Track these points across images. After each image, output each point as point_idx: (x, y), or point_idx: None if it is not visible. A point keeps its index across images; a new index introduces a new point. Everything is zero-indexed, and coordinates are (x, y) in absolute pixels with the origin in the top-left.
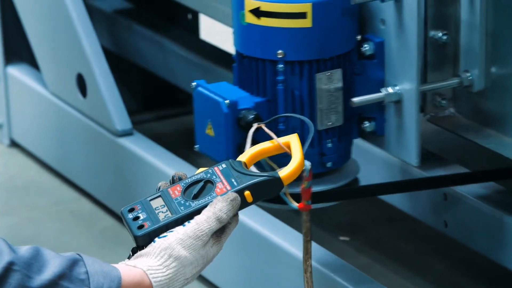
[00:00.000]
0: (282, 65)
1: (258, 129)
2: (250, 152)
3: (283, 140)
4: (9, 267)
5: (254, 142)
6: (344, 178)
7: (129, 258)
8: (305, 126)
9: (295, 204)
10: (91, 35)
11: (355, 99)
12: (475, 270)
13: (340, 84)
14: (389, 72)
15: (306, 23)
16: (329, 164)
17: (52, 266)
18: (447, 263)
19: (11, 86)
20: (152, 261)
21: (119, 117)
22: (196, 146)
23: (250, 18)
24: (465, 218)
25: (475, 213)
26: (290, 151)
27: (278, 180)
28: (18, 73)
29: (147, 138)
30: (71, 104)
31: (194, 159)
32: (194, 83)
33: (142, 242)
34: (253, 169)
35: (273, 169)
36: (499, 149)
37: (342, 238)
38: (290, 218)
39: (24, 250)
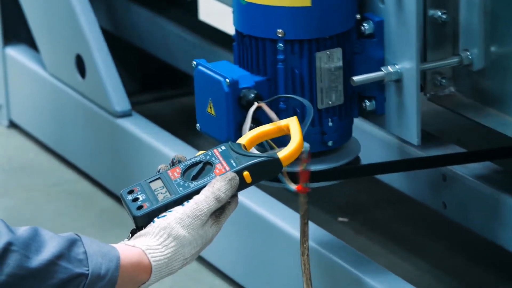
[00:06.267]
0: (282, 44)
1: (259, 108)
2: (249, 134)
3: (283, 122)
4: (8, 248)
5: (254, 121)
6: (345, 157)
7: (128, 239)
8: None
9: (293, 186)
10: (89, 15)
11: (356, 78)
12: (473, 251)
13: (340, 63)
14: (388, 51)
15: (306, 1)
16: (330, 143)
17: (51, 247)
18: (446, 244)
19: (10, 67)
20: (151, 240)
21: (118, 98)
22: (197, 125)
23: None
24: (464, 198)
25: (474, 194)
26: (290, 133)
27: (277, 161)
28: (16, 54)
29: (146, 119)
30: (69, 85)
31: (193, 140)
32: (194, 62)
33: (141, 222)
34: (253, 151)
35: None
36: (500, 128)
37: (341, 219)
38: (289, 199)
39: (22, 230)
